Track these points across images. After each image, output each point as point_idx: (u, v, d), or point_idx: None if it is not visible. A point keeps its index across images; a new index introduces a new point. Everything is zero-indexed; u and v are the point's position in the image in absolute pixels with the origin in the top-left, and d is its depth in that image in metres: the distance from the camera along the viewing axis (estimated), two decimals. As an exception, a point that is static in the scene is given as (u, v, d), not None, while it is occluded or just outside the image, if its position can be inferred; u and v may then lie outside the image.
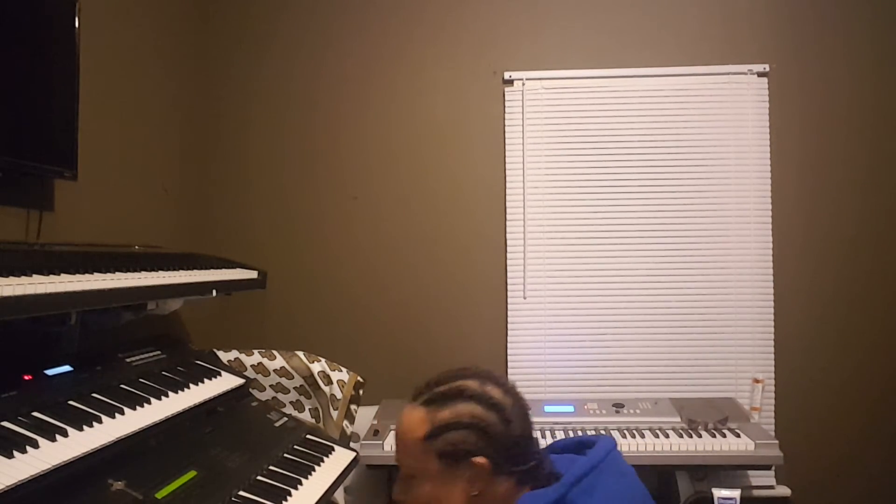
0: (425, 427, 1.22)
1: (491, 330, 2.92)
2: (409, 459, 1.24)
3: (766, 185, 2.85)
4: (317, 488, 1.65)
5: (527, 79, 2.92)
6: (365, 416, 2.45)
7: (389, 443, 2.35)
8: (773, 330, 2.83)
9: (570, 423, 2.46)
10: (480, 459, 1.16)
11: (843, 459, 2.78)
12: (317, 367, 2.23)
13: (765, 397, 2.77)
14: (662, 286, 2.86)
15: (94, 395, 1.46)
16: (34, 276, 1.22)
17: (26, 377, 1.40)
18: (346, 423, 2.24)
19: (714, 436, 2.33)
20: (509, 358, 2.90)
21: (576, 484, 1.13)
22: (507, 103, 2.93)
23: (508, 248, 2.92)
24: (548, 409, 2.55)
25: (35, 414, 1.28)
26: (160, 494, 1.31)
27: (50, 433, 1.22)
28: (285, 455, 1.77)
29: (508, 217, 2.92)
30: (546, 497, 1.12)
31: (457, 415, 1.19)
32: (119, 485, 1.26)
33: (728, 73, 2.86)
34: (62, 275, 1.31)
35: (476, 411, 1.19)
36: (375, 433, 2.39)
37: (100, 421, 1.35)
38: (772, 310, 2.83)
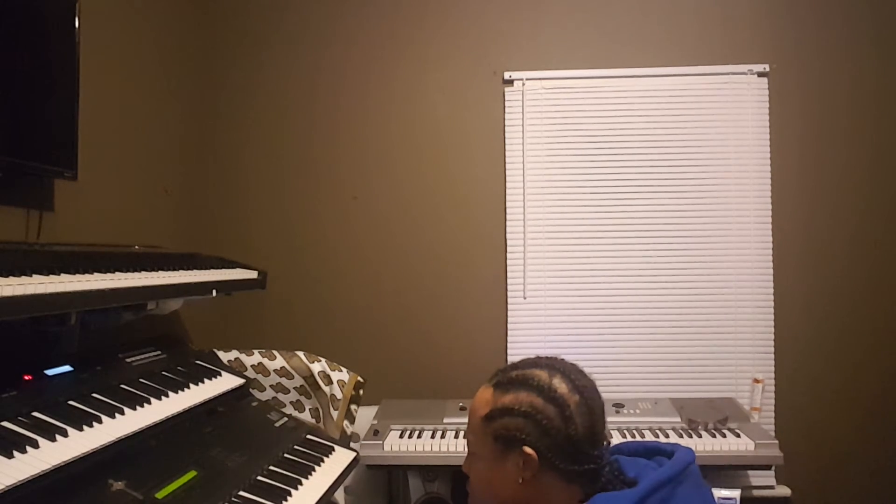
0: (488, 408, 1.22)
1: (491, 330, 2.92)
2: (471, 436, 1.26)
3: (766, 185, 2.85)
4: (317, 488, 1.65)
5: (527, 79, 2.92)
6: (365, 416, 2.45)
7: (389, 443, 2.35)
8: (773, 330, 2.83)
9: (570, 423, 2.45)
10: (529, 450, 1.16)
11: (843, 459, 2.78)
12: (317, 367, 2.23)
13: (765, 397, 2.77)
14: (662, 286, 2.86)
15: (94, 395, 1.46)
16: (34, 276, 1.22)
17: (26, 377, 1.40)
18: (346, 423, 2.24)
19: (714, 436, 2.33)
20: (509, 358, 2.90)
21: (652, 493, 1.11)
22: (507, 103, 2.93)
23: (508, 249, 2.92)
24: (548, 409, 2.54)
25: (35, 414, 1.28)
26: (160, 494, 1.31)
27: (50, 433, 1.22)
28: (285, 455, 1.77)
29: (508, 217, 2.92)
30: (619, 501, 1.10)
31: (517, 402, 1.19)
32: (119, 485, 1.26)
33: (728, 73, 2.86)
34: (62, 275, 1.30)
35: (536, 402, 1.18)
36: (375, 433, 2.39)
37: (100, 421, 1.35)
38: (772, 310, 2.83)
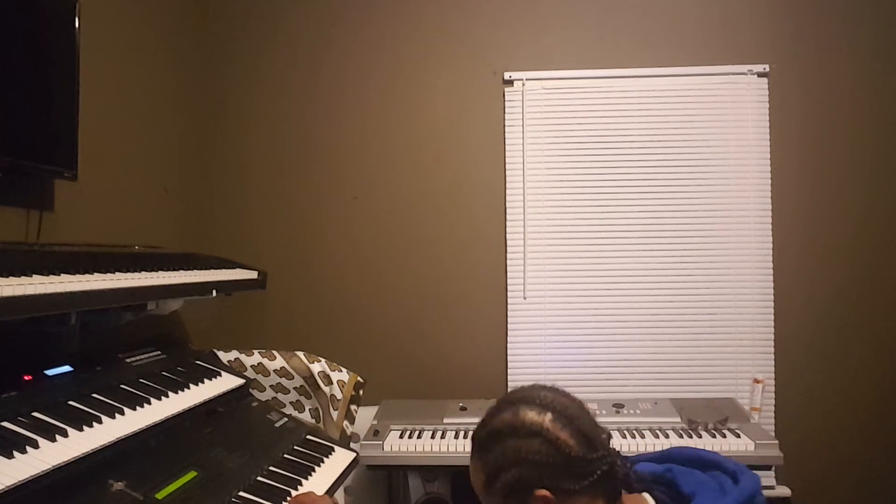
0: (483, 475, 1.18)
1: (491, 330, 2.92)
2: None
3: (766, 185, 2.85)
4: (317, 489, 1.65)
5: (527, 79, 2.92)
6: (365, 416, 2.45)
7: (389, 443, 2.35)
8: (773, 330, 2.83)
9: (570, 423, 2.45)
10: (541, 492, 1.11)
11: (843, 460, 2.78)
12: (317, 367, 2.23)
13: (765, 397, 2.77)
14: (662, 286, 2.86)
15: (94, 395, 1.46)
16: (34, 276, 1.22)
17: (26, 377, 1.40)
18: (346, 423, 2.24)
19: (714, 436, 2.33)
20: (509, 358, 2.90)
21: None
22: (507, 103, 2.93)
23: (508, 248, 2.92)
24: (548, 409, 2.54)
25: (35, 414, 1.28)
26: (160, 495, 1.31)
27: (50, 433, 1.22)
28: (285, 455, 1.77)
29: (508, 217, 2.92)
30: None
31: (502, 456, 1.15)
32: (119, 485, 1.26)
33: (728, 74, 2.86)
34: (62, 275, 1.31)
35: (517, 445, 1.13)
36: (375, 433, 2.39)
37: (100, 421, 1.35)
38: (772, 310, 2.83)
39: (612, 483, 1.14)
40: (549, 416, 1.14)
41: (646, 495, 1.17)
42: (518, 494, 1.13)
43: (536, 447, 1.12)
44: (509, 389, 2.84)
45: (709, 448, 2.24)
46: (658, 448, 2.24)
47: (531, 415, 1.15)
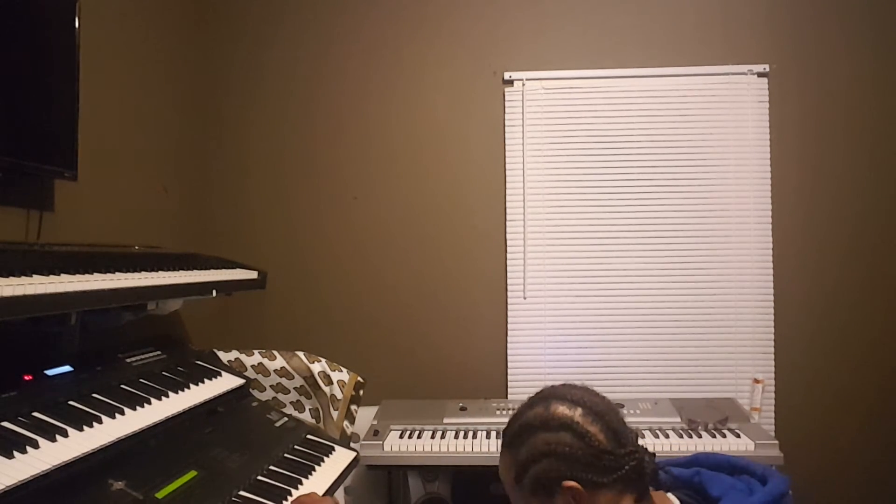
0: (513, 471, 1.20)
1: (491, 330, 2.92)
2: (515, 501, 1.23)
3: (766, 185, 2.85)
4: (317, 488, 1.65)
5: (527, 79, 2.92)
6: (365, 416, 2.45)
7: (390, 443, 2.35)
8: (773, 330, 2.83)
9: (570, 423, 2.45)
10: (569, 483, 1.13)
11: (843, 460, 2.78)
12: (317, 367, 2.23)
13: (765, 397, 2.77)
14: (662, 286, 2.86)
15: (95, 395, 1.46)
16: (34, 276, 1.22)
17: (26, 377, 1.40)
18: (346, 423, 2.24)
19: (714, 436, 2.33)
20: (509, 358, 2.90)
21: None
22: (507, 104, 2.93)
23: (508, 248, 2.92)
24: (548, 409, 2.54)
25: (35, 414, 1.28)
26: (160, 494, 1.31)
27: (50, 433, 1.22)
28: (285, 455, 1.77)
29: (508, 217, 2.92)
30: None
31: (533, 449, 1.17)
32: (119, 485, 1.26)
33: (728, 74, 2.86)
34: (62, 275, 1.30)
35: (548, 438, 1.16)
36: (375, 433, 2.39)
37: (100, 421, 1.35)
38: (772, 310, 2.83)
39: (641, 479, 1.15)
40: (579, 410, 1.17)
41: (671, 495, 1.19)
42: (547, 487, 1.15)
43: (567, 440, 1.15)
44: (509, 389, 2.87)
45: (709, 448, 2.27)
46: (658, 448, 2.26)
47: (562, 409, 1.18)
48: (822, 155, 2.84)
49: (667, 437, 2.33)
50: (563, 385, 1.25)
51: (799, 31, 2.85)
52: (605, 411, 1.19)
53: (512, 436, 1.22)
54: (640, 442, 1.20)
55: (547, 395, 1.23)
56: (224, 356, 2.20)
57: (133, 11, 2.42)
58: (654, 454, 1.18)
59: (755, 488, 1.17)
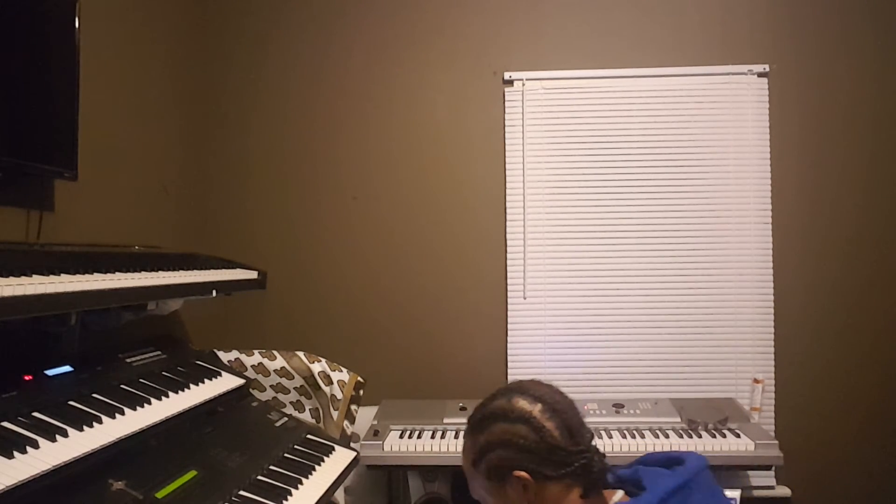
0: (471, 455, 1.29)
1: (491, 330, 2.92)
2: (472, 483, 1.33)
3: (766, 185, 2.85)
4: (317, 488, 1.65)
5: (527, 79, 2.92)
6: (365, 416, 2.45)
7: (390, 443, 2.35)
8: (773, 330, 2.83)
9: (570, 423, 2.45)
10: (520, 473, 1.21)
11: (843, 459, 2.78)
12: (317, 367, 2.23)
13: (765, 397, 2.77)
14: (662, 286, 2.86)
15: (95, 395, 1.46)
16: (34, 276, 1.22)
17: (26, 377, 1.40)
18: (346, 423, 2.24)
19: (714, 436, 2.33)
20: (509, 358, 2.90)
21: (664, 500, 1.15)
22: (507, 104, 2.93)
23: (508, 248, 2.92)
24: (548, 409, 2.54)
25: (35, 414, 1.28)
26: (160, 494, 1.31)
27: (50, 433, 1.22)
28: (285, 455, 1.77)
29: (508, 217, 2.92)
30: None
31: (491, 436, 1.26)
32: (119, 485, 1.26)
33: (728, 74, 2.86)
34: (62, 275, 1.30)
35: (505, 428, 1.24)
36: (375, 433, 2.39)
37: (100, 421, 1.35)
38: (772, 310, 2.83)
39: (588, 477, 1.22)
40: (539, 406, 1.25)
41: (620, 492, 1.26)
42: (499, 474, 1.24)
43: (523, 433, 1.23)
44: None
45: (709, 448, 2.27)
46: (658, 448, 2.26)
47: (523, 403, 1.26)
48: (822, 155, 2.84)
49: (667, 437, 2.33)
50: (530, 380, 1.34)
51: (799, 31, 2.85)
52: (564, 409, 1.26)
53: (475, 422, 1.30)
54: (596, 442, 1.29)
55: (512, 389, 1.31)
56: (224, 356, 2.20)
57: (133, 11, 2.42)
58: (604, 455, 1.26)
59: (678, 471, 1.24)
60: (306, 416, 2.24)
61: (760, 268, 2.84)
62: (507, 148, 2.93)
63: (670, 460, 1.30)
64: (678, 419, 2.45)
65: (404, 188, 2.97)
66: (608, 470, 1.26)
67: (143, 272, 1.61)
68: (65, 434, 1.24)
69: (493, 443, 1.25)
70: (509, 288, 2.91)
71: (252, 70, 3.01)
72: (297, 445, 1.86)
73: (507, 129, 2.93)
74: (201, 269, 1.96)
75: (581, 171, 2.90)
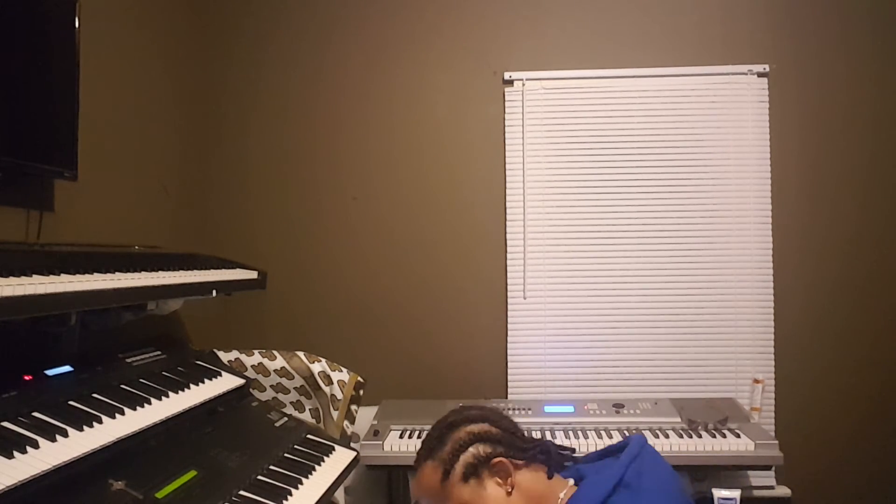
0: (439, 471, 1.32)
1: (491, 330, 2.92)
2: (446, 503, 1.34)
3: (766, 185, 2.85)
4: (317, 488, 1.65)
5: (527, 79, 2.92)
6: (365, 416, 2.45)
7: (390, 443, 2.35)
8: (773, 330, 2.83)
9: (570, 423, 2.46)
10: (497, 459, 1.28)
11: (843, 459, 2.78)
12: (317, 367, 2.23)
13: (765, 397, 2.77)
14: (662, 286, 2.86)
15: (95, 395, 1.46)
16: (34, 276, 1.22)
17: (26, 377, 1.40)
18: (346, 423, 2.24)
19: (714, 436, 2.33)
20: (509, 358, 2.90)
21: (628, 467, 1.23)
22: (507, 104, 2.93)
23: (508, 248, 2.92)
24: (548, 409, 2.55)
25: (35, 414, 1.27)
26: (160, 494, 1.31)
27: (50, 433, 1.21)
28: (286, 455, 1.77)
29: (508, 217, 2.92)
30: (607, 472, 1.23)
31: (457, 441, 1.32)
32: (119, 485, 1.26)
33: (728, 74, 2.86)
34: (62, 275, 1.30)
35: (471, 429, 1.33)
36: (375, 433, 2.39)
37: (100, 421, 1.35)
38: (772, 310, 2.83)
39: (550, 458, 1.32)
40: (488, 410, 1.39)
41: (570, 481, 1.33)
42: (476, 471, 1.29)
43: (486, 427, 1.33)
44: (509, 389, 2.88)
45: (709, 448, 2.27)
46: (658, 448, 2.26)
47: (474, 411, 1.38)
48: (822, 155, 2.84)
49: (667, 437, 2.33)
50: (467, 404, 1.50)
51: (799, 31, 2.85)
52: (507, 417, 1.39)
53: (430, 444, 1.36)
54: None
55: (457, 410, 1.41)
56: (224, 356, 2.20)
57: (133, 11, 2.42)
58: (550, 442, 1.35)
59: (621, 457, 1.29)
60: (306, 416, 2.24)
61: (760, 268, 2.84)
62: (507, 148, 2.93)
63: (608, 452, 1.37)
64: (678, 419, 2.45)
65: (404, 188, 2.96)
66: (566, 451, 1.34)
67: (143, 272, 1.61)
68: (65, 434, 1.24)
69: (462, 444, 1.30)
70: (509, 288, 2.91)
71: (252, 70, 3.01)
72: (297, 445, 1.86)
73: (507, 129, 2.93)
74: (201, 269, 1.96)
75: (581, 171, 2.90)
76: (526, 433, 1.38)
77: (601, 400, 2.63)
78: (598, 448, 2.18)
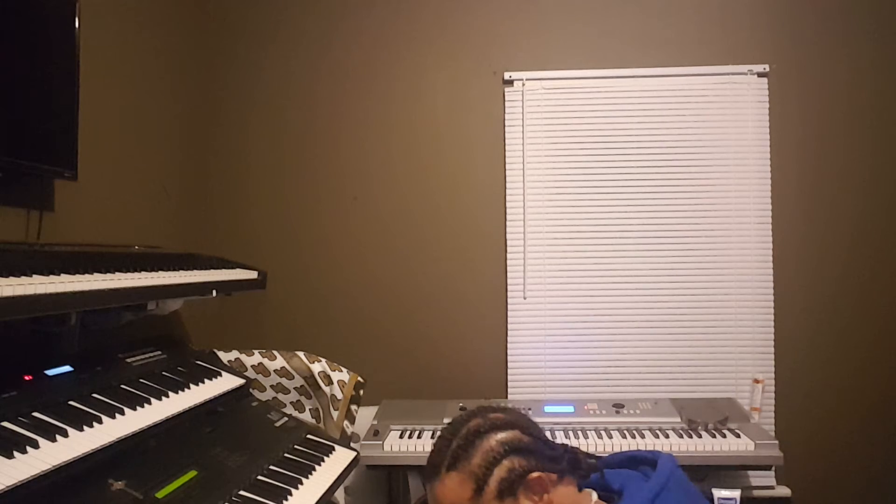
0: (469, 485, 1.16)
1: (491, 330, 2.92)
2: None
3: (766, 185, 2.85)
4: (317, 488, 1.65)
5: (527, 79, 2.92)
6: (365, 416, 2.45)
7: (389, 443, 2.35)
8: (773, 330, 2.83)
9: (570, 423, 2.46)
10: (534, 474, 1.15)
11: (843, 459, 2.78)
12: (317, 367, 2.23)
13: (765, 397, 2.77)
14: (662, 286, 2.86)
15: (95, 395, 1.46)
16: (34, 276, 1.22)
17: (26, 377, 1.40)
18: (346, 423, 2.24)
19: (714, 436, 2.33)
20: (509, 358, 2.90)
21: (658, 496, 1.12)
22: (507, 103, 2.93)
23: (508, 248, 2.92)
24: (548, 409, 2.55)
25: (35, 414, 1.28)
26: (160, 494, 1.31)
27: (50, 433, 1.21)
28: (286, 455, 1.77)
29: (508, 217, 2.92)
30: None
31: (488, 452, 1.17)
32: (119, 485, 1.26)
33: (728, 74, 2.86)
34: (62, 275, 1.30)
35: (501, 437, 1.18)
36: (375, 433, 2.39)
37: (100, 421, 1.35)
38: (772, 310, 2.83)
39: (577, 469, 1.20)
40: (515, 415, 1.23)
41: (594, 493, 1.22)
42: (511, 487, 1.14)
43: (518, 436, 1.18)
44: (509, 389, 2.88)
45: (709, 448, 2.27)
46: (658, 448, 2.26)
47: (498, 415, 1.22)
48: (822, 155, 2.84)
49: (667, 437, 2.33)
50: (487, 403, 1.35)
51: (799, 31, 2.85)
52: (527, 416, 1.25)
53: (453, 454, 1.19)
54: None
55: (478, 411, 1.24)
56: (224, 356, 2.20)
57: (133, 11, 2.42)
58: (577, 449, 1.23)
59: (649, 473, 1.20)
60: (306, 416, 2.24)
61: (760, 268, 2.84)
62: (506, 148, 2.93)
63: (634, 460, 1.27)
64: (678, 419, 2.45)
65: (404, 188, 2.97)
66: (592, 459, 1.23)
67: (143, 272, 1.61)
68: (65, 434, 1.24)
69: (494, 456, 1.16)
70: (509, 288, 2.91)
71: (252, 70, 3.01)
72: (297, 445, 1.86)
73: (507, 129, 2.93)
74: (201, 269, 1.96)
75: (581, 171, 2.90)
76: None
77: (601, 400, 2.63)
78: (598, 448, 2.18)
